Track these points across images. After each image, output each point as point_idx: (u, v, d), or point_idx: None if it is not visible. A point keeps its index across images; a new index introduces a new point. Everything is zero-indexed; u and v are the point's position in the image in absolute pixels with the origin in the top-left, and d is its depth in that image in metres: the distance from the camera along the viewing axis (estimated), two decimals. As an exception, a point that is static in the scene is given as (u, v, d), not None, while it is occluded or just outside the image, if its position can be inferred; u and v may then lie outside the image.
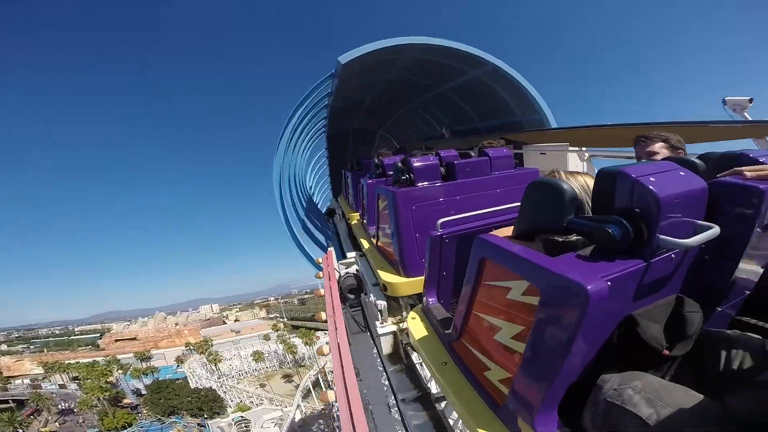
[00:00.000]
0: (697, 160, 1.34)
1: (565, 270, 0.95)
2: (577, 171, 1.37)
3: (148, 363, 48.29)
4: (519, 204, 2.18)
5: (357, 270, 3.73)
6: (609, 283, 0.90)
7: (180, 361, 48.30)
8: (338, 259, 3.93)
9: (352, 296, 4.02)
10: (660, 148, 2.03)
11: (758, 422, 0.71)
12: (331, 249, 4.38)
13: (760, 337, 1.06)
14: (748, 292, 1.21)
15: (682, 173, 1.05)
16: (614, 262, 0.99)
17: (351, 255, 4.03)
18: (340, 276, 3.67)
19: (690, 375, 1.06)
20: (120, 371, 45.96)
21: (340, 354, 2.17)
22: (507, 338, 1.22)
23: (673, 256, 1.05)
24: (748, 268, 1.15)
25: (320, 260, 4.05)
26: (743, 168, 1.13)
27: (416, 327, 2.02)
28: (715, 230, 0.98)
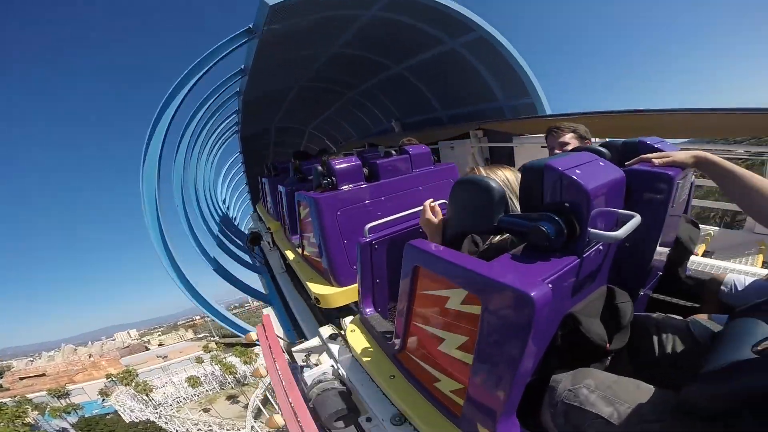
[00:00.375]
0: (604, 149, 1.40)
1: (505, 277, 0.88)
2: (496, 165, 1.34)
3: (68, 399, 41.04)
4: (444, 202, 2.19)
5: (339, 374, 1.85)
6: (550, 286, 0.85)
7: (105, 394, 42.04)
8: (285, 329, 3.14)
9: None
10: (570, 139, 2.13)
11: (710, 412, 0.71)
12: (269, 314, 2.84)
13: (681, 317, 1.12)
14: (661, 273, 1.29)
15: (602, 163, 1.06)
16: (551, 261, 0.95)
17: (313, 341, 2.30)
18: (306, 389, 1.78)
19: (627, 363, 1.08)
20: (36, 412, 38.55)
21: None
22: (452, 349, 1.13)
23: (601, 247, 1.05)
24: (660, 250, 1.22)
25: (253, 336, 2.43)
26: (650, 155, 1.18)
27: (357, 340, 1.88)
28: (637, 219, 0.99)
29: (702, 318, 1.18)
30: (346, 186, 2.73)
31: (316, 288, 2.82)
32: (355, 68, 7.83)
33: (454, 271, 1.05)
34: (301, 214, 3.21)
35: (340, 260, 2.74)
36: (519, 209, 1.13)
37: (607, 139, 1.62)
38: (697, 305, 1.49)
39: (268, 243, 5.25)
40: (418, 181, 3.00)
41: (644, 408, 0.80)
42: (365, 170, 2.85)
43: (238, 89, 7.27)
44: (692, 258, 1.77)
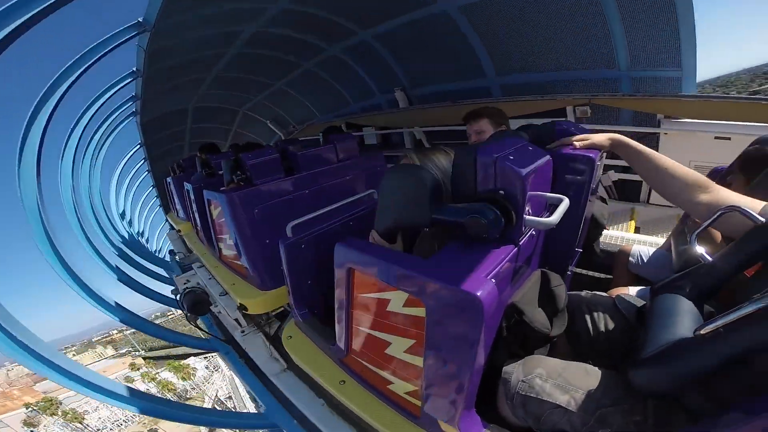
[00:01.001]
0: (523, 133, 1.42)
1: (447, 277, 0.82)
2: (430, 150, 1.27)
3: (-12, 436, 33.53)
4: (373, 192, 2.09)
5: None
6: (494, 281, 0.82)
7: (31, 425, 35.44)
8: (242, 374, 2.78)
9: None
10: (486, 125, 2.11)
11: (659, 392, 0.75)
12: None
13: (605, 294, 1.18)
14: (580, 250, 1.35)
15: (530, 148, 1.04)
16: (490, 253, 0.91)
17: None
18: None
19: (565, 344, 1.10)
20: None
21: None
22: (400, 352, 1.07)
23: (533, 233, 1.05)
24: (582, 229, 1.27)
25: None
26: (572, 139, 1.21)
27: (296, 346, 1.73)
28: (566, 201, 0.99)
29: (624, 293, 1.26)
30: (263, 180, 2.50)
31: (241, 294, 2.56)
32: (312, 30, 5.80)
33: (391, 273, 0.96)
34: (213, 214, 2.88)
35: (264, 261, 2.50)
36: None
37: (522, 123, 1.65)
38: (611, 276, 1.62)
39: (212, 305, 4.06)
40: (344, 171, 2.85)
41: (597, 392, 0.84)
42: (286, 163, 2.64)
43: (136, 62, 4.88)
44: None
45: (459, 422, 0.96)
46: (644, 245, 1.78)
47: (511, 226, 0.92)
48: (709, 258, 0.97)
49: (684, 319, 0.83)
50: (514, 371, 0.95)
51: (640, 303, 1.11)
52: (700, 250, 0.99)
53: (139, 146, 8.71)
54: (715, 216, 0.95)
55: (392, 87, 6.49)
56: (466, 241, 0.95)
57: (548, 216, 0.92)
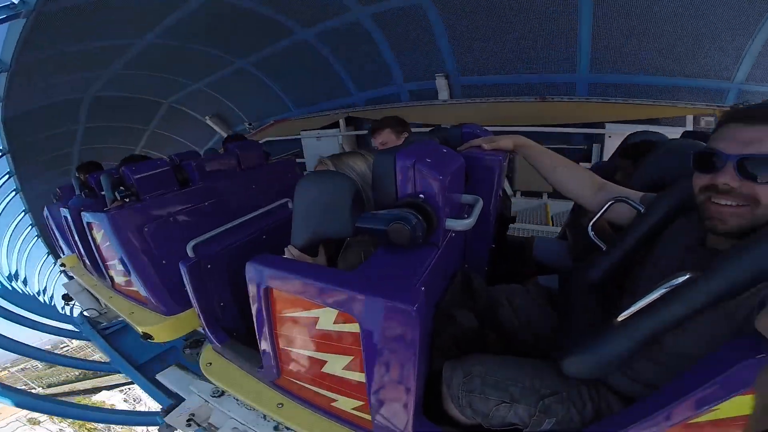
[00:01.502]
0: (434, 137, 1.46)
1: (376, 290, 0.79)
2: (346, 154, 1.22)
3: None
4: (287, 201, 1.95)
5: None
6: (423, 288, 0.80)
7: None
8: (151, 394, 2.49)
9: None
10: (388, 135, 2.11)
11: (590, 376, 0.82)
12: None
13: (518, 284, 1.27)
14: (493, 245, 1.42)
15: (445, 150, 1.06)
16: (417, 259, 0.89)
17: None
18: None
19: (495, 338, 1.15)
20: None
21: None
22: (339, 369, 1.00)
23: (453, 234, 1.06)
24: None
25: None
26: (480, 141, 1.27)
27: (220, 373, 1.53)
28: (481, 201, 1.02)
29: (534, 281, 1.37)
30: (153, 195, 2.18)
31: (143, 322, 2.22)
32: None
33: (315, 291, 0.89)
34: (96, 239, 2.44)
35: (164, 285, 2.19)
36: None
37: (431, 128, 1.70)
38: (521, 268, 1.75)
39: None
40: (251, 181, 2.63)
41: (536, 383, 0.87)
42: (181, 175, 2.35)
43: None
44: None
45: (411, 430, 0.94)
46: (546, 235, 1.97)
47: (432, 230, 0.91)
48: (603, 246, 1.10)
49: (595, 305, 0.93)
50: (453, 373, 0.95)
51: (551, 289, 1.22)
52: (595, 239, 1.13)
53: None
54: (606, 207, 1.10)
55: (432, 72, 4.94)
56: (391, 248, 0.92)
57: (466, 217, 0.94)
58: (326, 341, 0.98)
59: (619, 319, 0.76)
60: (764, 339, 0.56)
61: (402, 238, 0.86)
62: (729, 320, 0.67)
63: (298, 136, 6.43)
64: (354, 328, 0.87)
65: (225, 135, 7.31)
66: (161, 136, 8.28)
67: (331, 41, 5.04)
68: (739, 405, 0.59)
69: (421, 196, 0.91)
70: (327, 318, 0.92)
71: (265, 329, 1.10)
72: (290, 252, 1.07)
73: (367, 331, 0.84)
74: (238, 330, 1.67)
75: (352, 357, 0.94)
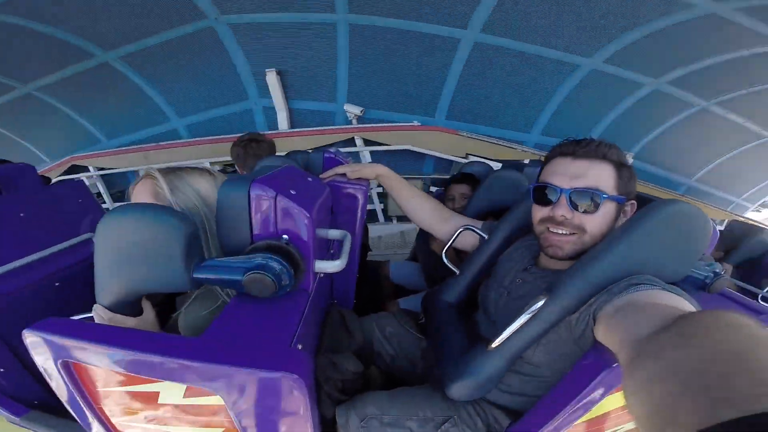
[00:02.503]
0: (293, 162, 1.33)
1: (240, 358, 0.59)
2: (184, 169, 0.92)
3: None
4: (89, 237, 1.46)
5: None
6: (300, 346, 0.66)
7: None
8: None
9: None
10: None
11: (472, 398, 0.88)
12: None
13: (385, 312, 1.29)
14: (357, 275, 1.37)
15: (310, 179, 0.93)
16: (285, 310, 0.73)
17: None
18: None
19: (379, 373, 1.18)
20: None
21: None
22: None
23: (322, 274, 0.94)
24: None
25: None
26: (344, 168, 1.19)
27: None
28: (349, 237, 0.94)
29: (396, 306, 1.39)
30: None
31: None
32: None
33: (148, 365, 0.62)
34: None
35: None
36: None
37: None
38: (382, 291, 1.75)
39: None
40: (17, 208, 1.84)
41: (429, 412, 0.89)
42: None
43: None
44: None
45: None
46: (399, 257, 2.06)
47: (300, 276, 0.77)
48: (456, 270, 1.20)
49: (461, 327, 1.03)
50: (348, 419, 0.89)
51: (414, 313, 1.29)
52: (449, 264, 1.22)
53: None
54: (456, 235, 1.22)
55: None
56: (250, 297, 0.73)
57: (333, 253, 0.88)
58: (180, 415, 0.71)
59: (493, 345, 0.82)
60: (607, 348, 0.64)
61: (264, 290, 0.69)
62: (571, 331, 0.77)
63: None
64: (215, 401, 0.64)
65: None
66: None
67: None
68: (607, 404, 0.71)
69: (285, 236, 0.75)
70: (173, 392, 0.66)
71: (82, 407, 0.74)
72: (98, 313, 0.75)
73: (235, 404, 0.63)
74: (41, 397, 1.22)
75: (222, 429, 0.71)
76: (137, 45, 4.00)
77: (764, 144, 5.21)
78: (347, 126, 4.51)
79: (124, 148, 4.98)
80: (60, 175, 4.98)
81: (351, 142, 4.45)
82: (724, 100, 4.67)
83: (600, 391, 0.69)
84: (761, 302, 2.02)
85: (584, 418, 0.74)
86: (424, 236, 1.85)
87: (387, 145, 4.40)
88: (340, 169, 1.20)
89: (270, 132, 4.49)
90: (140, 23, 3.76)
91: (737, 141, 5.32)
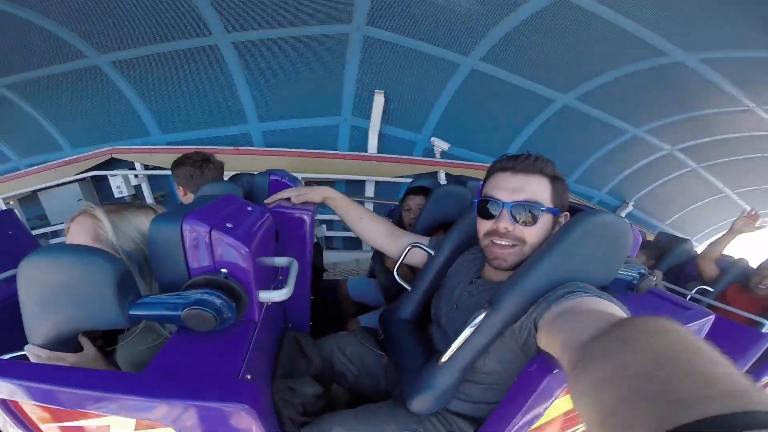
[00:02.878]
0: (236, 186, 1.31)
1: (187, 392, 0.58)
2: (126, 204, 0.93)
3: None
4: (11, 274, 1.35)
5: None
6: (249, 376, 0.66)
7: None
8: None
9: None
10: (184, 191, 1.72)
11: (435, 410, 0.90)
12: None
13: (344, 332, 1.31)
14: (312, 297, 1.36)
15: (249, 208, 0.92)
16: (231, 342, 0.73)
17: None
18: None
19: (342, 392, 1.19)
20: None
21: None
22: None
23: (269, 303, 0.93)
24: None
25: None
26: (288, 192, 1.20)
27: None
28: (296, 264, 0.94)
29: (356, 324, 1.39)
30: None
31: None
32: None
33: (93, 401, 0.59)
34: None
35: None
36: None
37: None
38: (340, 310, 1.75)
39: None
40: None
41: (394, 427, 0.90)
42: None
43: None
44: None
45: None
46: (356, 276, 2.07)
47: (244, 308, 0.76)
48: (408, 286, 1.23)
49: (417, 341, 1.06)
50: None
51: (374, 330, 1.29)
52: (400, 281, 1.24)
53: None
54: (405, 253, 1.25)
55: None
56: (189, 334, 0.72)
57: (282, 279, 0.87)
58: None
59: (443, 360, 0.86)
60: (550, 354, 0.68)
61: (205, 325, 0.68)
62: (515, 339, 0.81)
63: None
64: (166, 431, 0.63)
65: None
66: None
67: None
68: (558, 407, 0.77)
69: (224, 270, 0.74)
70: (123, 426, 0.63)
71: None
72: (35, 353, 0.71)
73: None
74: None
75: None
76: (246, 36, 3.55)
77: (692, 171, 5.77)
78: (435, 159, 4.44)
79: (178, 146, 4.16)
80: (91, 169, 4.27)
81: (433, 175, 4.40)
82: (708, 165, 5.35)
83: (548, 395, 0.73)
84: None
85: (541, 422, 0.78)
86: (379, 254, 1.88)
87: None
88: (284, 194, 1.20)
89: (354, 153, 4.37)
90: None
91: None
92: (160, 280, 0.78)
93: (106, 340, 0.88)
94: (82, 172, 4.32)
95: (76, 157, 4.32)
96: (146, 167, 4.34)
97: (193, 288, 0.71)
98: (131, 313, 0.68)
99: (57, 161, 4.35)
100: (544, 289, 0.78)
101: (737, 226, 2.27)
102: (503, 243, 0.90)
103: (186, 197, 1.70)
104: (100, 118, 4.24)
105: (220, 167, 1.77)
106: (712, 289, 2.36)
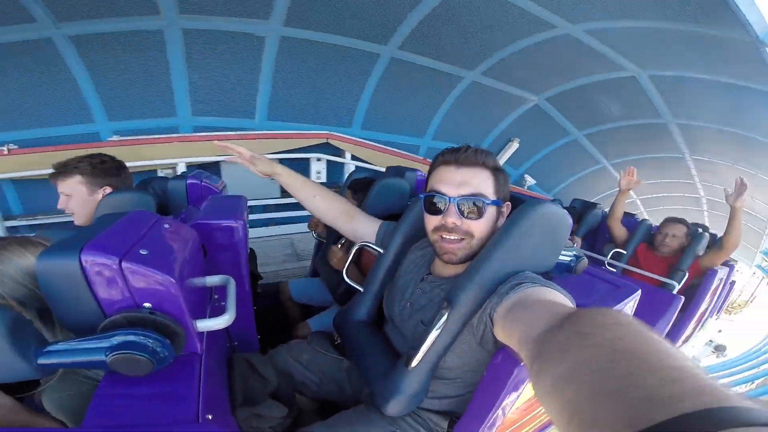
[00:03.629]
0: (147, 196, 1.15)
1: None
2: (17, 239, 0.75)
3: None
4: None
5: None
6: (210, 416, 0.60)
7: None
8: None
9: None
10: (77, 187, 1.29)
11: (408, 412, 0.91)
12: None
13: (296, 339, 1.29)
14: (255, 307, 1.26)
15: (166, 225, 0.78)
16: (176, 379, 0.64)
17: None
18: None
19: (308, 402, 1.17)
20: None
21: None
22: None
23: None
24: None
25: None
26: (242, 148, 1.15)
27: None
28: (233, 282, 0.85)
29: (305, 329, 1.32)
30: None
31: None
32: None
33: None
34: None
35: None
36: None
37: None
38: (285, 315, 1.66)
39: None
40: None
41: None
42: None
43: None
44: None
45: None
46: (297, 277, 1.98)
47: (182, 342, 0.65)
48: (360, 288, 1.19)
49: (379, 344, 1.05)
50: None
51: (328, 333, 1.25)
52: (351, 283, 1.21)
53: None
54: (352, 254, 1.22)
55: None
56: (118, 376, 0.60)
57: (218, 298, 0.81)
58: None
59: (413, 365, 0.85)
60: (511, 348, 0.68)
61: (140, 369, 0.57)
62: (473, 334, 0.83)
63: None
64: None
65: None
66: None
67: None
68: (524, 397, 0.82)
69: (147, 305, 0.62)
70: None
71: None
72: None
73: None
74: None
75: None
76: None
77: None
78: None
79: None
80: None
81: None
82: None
83: (519, 384, 0.76)
84: (608, 267, 2.52)
85: (515, 409, 0.82)
86: (322, 254, 1.79)
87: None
88: (240, 149, 1.15)
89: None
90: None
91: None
92: (66, 323, 0.64)
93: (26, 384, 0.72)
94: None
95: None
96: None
97: (112, 329, 0.59)
98: (40, 362, 0.56)
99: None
100: (498, 282, 0.81)
101: (623, 185, 2.53)
102: (452, 237, 0.90)
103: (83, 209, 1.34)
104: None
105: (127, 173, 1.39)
106: (624, 252, 2.63)
